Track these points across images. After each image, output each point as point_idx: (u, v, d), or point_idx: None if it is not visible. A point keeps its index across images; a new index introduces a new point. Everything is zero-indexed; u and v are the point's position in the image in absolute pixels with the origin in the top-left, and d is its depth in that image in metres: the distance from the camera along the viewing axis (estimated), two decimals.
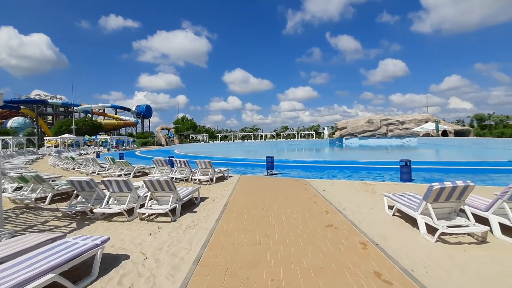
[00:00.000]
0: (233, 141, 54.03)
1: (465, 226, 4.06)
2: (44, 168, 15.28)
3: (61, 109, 61.39)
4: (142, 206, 5.71)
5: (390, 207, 5.56)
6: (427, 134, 41.44)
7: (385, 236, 4.18)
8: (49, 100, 57.98)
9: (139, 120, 74.41)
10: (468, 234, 4.14)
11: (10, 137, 26.80)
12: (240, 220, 5.04)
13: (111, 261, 3.57)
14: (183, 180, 9.51)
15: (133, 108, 73.74)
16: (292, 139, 54.68)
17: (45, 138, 40.70)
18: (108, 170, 11.50)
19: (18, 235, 3.83)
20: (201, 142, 51.04)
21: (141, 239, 4.37)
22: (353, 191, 7.56)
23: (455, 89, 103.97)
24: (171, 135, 53.33)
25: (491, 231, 4.11)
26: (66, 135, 38.48)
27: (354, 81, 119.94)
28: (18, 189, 7.73)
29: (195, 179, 9.24)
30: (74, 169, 13.70)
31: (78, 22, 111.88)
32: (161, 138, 48.61)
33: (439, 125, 39.68)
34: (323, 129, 57.02)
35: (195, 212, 5.83)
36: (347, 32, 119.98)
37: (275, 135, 58.66)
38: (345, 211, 5.56)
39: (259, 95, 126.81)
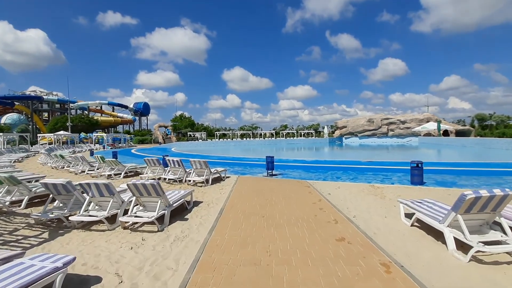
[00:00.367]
0: (232, 139, 53.32)
1: (504, 243, 3.42)
2: (32, 167, 14.56)
3: (57, 106, 60.36)
4: (127, 212, 5.05)
5: (407, 215, 4.92)
6: (428, 134, 40.89)
7: (408, 253, 3.53)
8: (45, 97, 56.97)
9: (137, 118, 73.47)
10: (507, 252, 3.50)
11: (0, 133, 25.99)
12: (237, 230, 4.38)
13: (76, 287, 2.90)
14: (176, 181, 8.84)
15: (131, 106, 72.78)
16: (291, 138, 54.05)
17: (38, 135, 39.80)
18: (98, 169, 10.80)
19: None
20: (199, 140, 50.31)
21: (120, 254, 3.70)
22: (361, 195, 6.92)
23: (454, 89, 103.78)
24: (168, 132, 52.55)
25: None
26: (61, 132, 37.62)
27: (354, 80, 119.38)
28: None
29: (190, 180, 8.57)
30: (63, 167, 12.99)
31: (76, 18, 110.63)
32: (158, 136, 47.84)
33: (440, 125, 39.14)
34: (323, 128, 56.40)
35: (187, 219, 5.16)
36: (347, 31, 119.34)
37: (274, 134, 58.00)
38: (356, 219, 4.91)
39: (258, 93, 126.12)
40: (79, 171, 11.38)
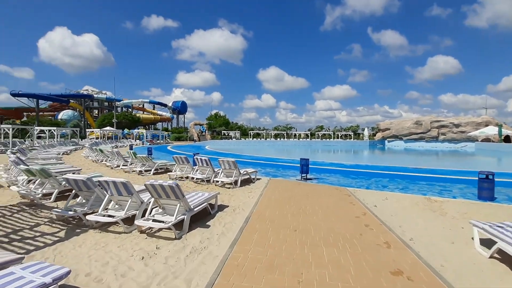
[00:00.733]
0: (266, 139, 52.81)
1: None
2: (76, 160, 15.44)
3: (106, 103, 65.53)
4: (150, 211, 4.64)
5: (483, 242, 3.79)
6: (487, 139, 36.04)
7: None
8: (95, 95, 62.20)
9: (175, 116, 76.76)
10: None
11: (55, 128, 28.64)
12: (263, 246, 3.67)
13: None
14: (204, 181, 8.42)
15: (170, 104, 76.28)
16: (327, 140, 51.87)
17: (87, 130, 43.43)
18: (130, 164, 10.91)
19: None
20: (233, 139, 50.65)
21: (129, 265, 3.22)
22: (415, 210, 5.76)
23: None
24: (203, 129, 53.85)
25: None
26: (107, 128, 40.50)
27: (398, 79, 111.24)
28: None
29: (217, 181, 8.08)
30: (102, 161, 13.49)
31: (124, 23, 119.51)
32: (193, 133, 49.18)
33: (502, 130, 34.18)
34: (363, 130, 53.12)
35: (208, 226, 4.59)
36: (392, 27, 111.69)
37: (309, 135, 56.22)
38: (414, 244, 3.89)
39: (293, 93, 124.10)
40: (115, 165, 11.62)
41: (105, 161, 13.12)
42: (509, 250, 3.18)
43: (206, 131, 54.28)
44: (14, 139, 27.15)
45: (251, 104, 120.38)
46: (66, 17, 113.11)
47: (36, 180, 6.65)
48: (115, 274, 3.03)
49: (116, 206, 4.89)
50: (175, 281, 2.89)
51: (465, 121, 40.10)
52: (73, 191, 5.12)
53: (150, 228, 4.36)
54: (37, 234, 4.27)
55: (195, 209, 4.65)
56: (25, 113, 57.05)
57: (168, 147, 29.77)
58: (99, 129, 38.58)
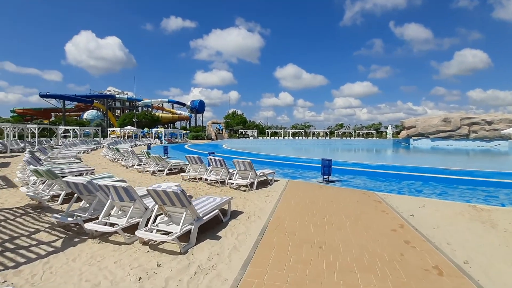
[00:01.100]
0: (283, 137, 51.93)
1: None
2: (94, 159, 15.55)
3: (127, 103, 67.39)
4: (154, 219, 4.16)
5: None
6: None
7: None
8: (117, 95, 64.13)
9: (193, 115, 77.60)
10: None
11: (78, 127, 29.55)
12: (281, 269, 3.04)
13: None
14: (218, 183, 7.90)
15: (188, 103, 77.21)
16: (348, 138, 50.11)
17: (108, 129, 44.73)
18: (144, 164, 10.64)
19: None
20: (250, 138, 50.22)
21: None
22: (461, 221, 4.89)
23: None
24: (220, 127, 53.89)
25: None
26: (128, 127, 41.43)
27: (423, 75, 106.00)
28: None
29: (232, 183, 7.53)
30: (118, 160, 13.41)
31: (144, 25, 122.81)
32: (211, 132, 49.30)
33: None
34: (386, 127, 50.78)
35: (219, 238, 4.03)
36: (416, 20, 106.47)
37: (328, 133, 54.60)
38: (470, 269, 3.11)
39: (311, 91, 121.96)
40: (130, 165, 11.43)
41: (121, 160, 13.01)
42: None
43: (223, 129, 54.26)
44: (41, 138, 28.29)
45: (269, 102, 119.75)
46: (90, 21, 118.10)
47: (46, 181, 6.43)
48: None
49: (119, 212, 4.45)
50: None
51: (498, 118, 37.06)
52: (75, 195, 4.74)
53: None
54: (34, 242, 3.89)
55: (204, 218, 4.10)
56: (53, 114, 59.85)
57: (186, 146, 29.81)
58: (119, 128, 39.53)
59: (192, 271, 3.06)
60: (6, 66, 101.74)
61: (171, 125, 72.02)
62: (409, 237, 4.01)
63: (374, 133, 50.30)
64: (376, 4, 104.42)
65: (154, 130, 44.72)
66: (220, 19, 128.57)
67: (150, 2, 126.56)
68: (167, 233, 3.76)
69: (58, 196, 6.14)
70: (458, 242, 3.92)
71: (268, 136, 52.18)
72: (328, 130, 56.53)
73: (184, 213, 3.77)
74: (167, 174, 9.60)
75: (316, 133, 55.39)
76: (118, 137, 37.70)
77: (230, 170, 8.06)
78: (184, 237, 3.80)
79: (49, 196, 5.98)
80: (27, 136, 27.17)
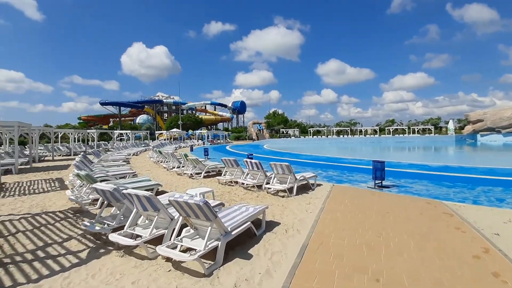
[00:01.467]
0: (327, 136, 49.69)
1: None
2: (141, 161, 16.35)
3: (173, 107, 71.66)
4: (178, 231, 3.77)
5: None
6: None
7: None
8: (164, 100, 68.59)
9: (234, 116, 79.16)
10: None
11: (129, 131, 32.03)
12: None
13: None
14: (254, 187, 7.36)
15: (230, 105, 79.02)
16: (401, 135, 45.76)
17: (156, 132, 47.89)
18: (183, 167, 10.65)
19: None
20: (292, 137, 49.11)
21: None
22: None
23: None
24: (260, 127, 53.84)
25: None
26: (174, 129, 43.75)
27: (489, 61, 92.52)
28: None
29: (269, 188, 6.92)
30: (161, 162, 13.82)
31: (187, 32, 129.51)
32: (252, 132, 49.46)
33: None
34: (446, 122, 45.08)
35: (250, 257, 3.44)
36: (478, 0, 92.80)
37: (378, 130, 50.55)
38: None
39: (356, 86, 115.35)
40: (170, 167, 11.59)
41: (163, 162, 13.35)
42: None
43: (264, 129, 54.05)
44: (100, 142, 31.33)
45: (310, 100, 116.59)
46: (140, 33, 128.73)
47: (88, 184, 6.60)
48: None
49: (146, 221, 4.16)
50: None
51: None
52: (104, 202, 4.61)
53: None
54: (63, 251, 3.79)
55: (233, 233, 3.55)
56: (111, 119, 66.51)
57: (227, 147, 30.16)
58: (166, 131, 41.95)
59: None
60: (74, 79, 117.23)
61: (214, 126, 74.51)
62: (497, 267, 2.93)
63: (432, 129, 44.85)
64: None
65: (197, 132, 46.52)
66: (258, 19, 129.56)
67: (192, 10, 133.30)
68: (191, 249, 3.31)
69: (98, 200, 6.24)
70: None
71: (310, 135, 50.40)
72: (377, 127, 52.28)
73: (210, 228, 3.27)
74: (204, 177, 9.40)
75: (363, 130, 51.82)
76: (165, 140, 40.04)
77: (268, 173, 7.46)
78: (211, 253, 3.31)
79: (89, 200, 6.08)
80: (89, 140, 30.28)
